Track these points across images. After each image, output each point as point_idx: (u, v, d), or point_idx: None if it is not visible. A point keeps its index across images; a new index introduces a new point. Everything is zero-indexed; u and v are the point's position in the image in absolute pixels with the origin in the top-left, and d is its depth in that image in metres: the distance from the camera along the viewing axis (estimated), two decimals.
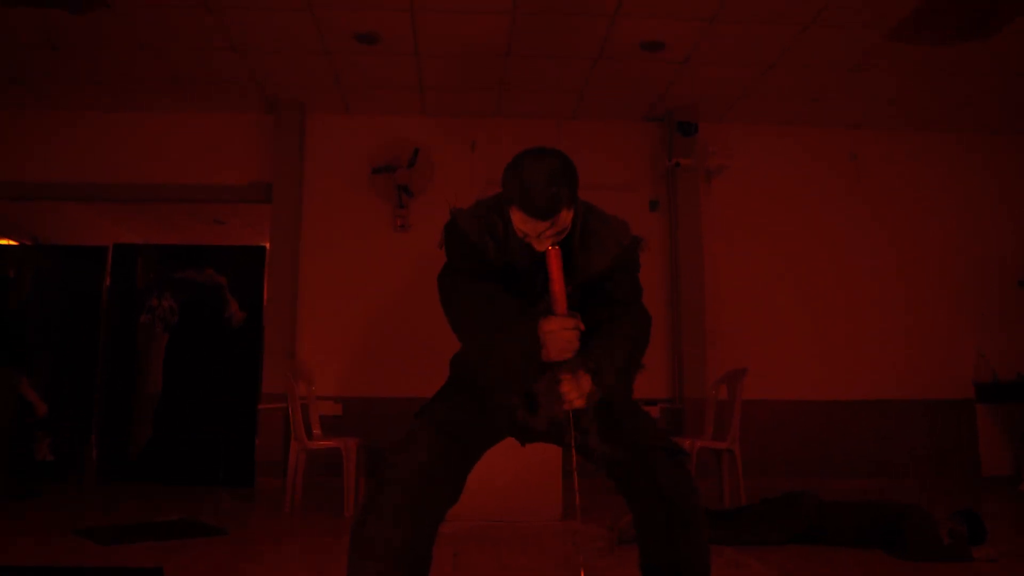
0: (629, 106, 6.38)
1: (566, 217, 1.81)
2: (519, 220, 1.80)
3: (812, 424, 6.29)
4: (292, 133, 6.35)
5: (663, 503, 1.91)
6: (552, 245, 1.81)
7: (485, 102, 6.24)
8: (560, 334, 1.78)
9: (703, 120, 6.44)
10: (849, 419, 6.31)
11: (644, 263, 2.10)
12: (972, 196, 6.73)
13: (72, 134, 6.43)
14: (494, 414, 2.01)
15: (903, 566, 3.39)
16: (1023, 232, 6.68)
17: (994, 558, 3.42)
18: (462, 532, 3.95)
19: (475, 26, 5.10)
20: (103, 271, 6.49)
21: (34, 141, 6.41)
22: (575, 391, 1.81)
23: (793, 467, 6.14)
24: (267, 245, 6.38)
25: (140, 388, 6.31)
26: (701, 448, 4.95)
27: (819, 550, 3.67)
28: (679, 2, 4.79)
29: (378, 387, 6.10)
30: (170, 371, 6.33)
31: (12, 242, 7.75)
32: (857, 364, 6.38)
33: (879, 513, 3.73)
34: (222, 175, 6.46)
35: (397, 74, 5.81)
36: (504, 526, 4.17)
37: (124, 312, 6.40)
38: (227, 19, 4.99)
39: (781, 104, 6.31)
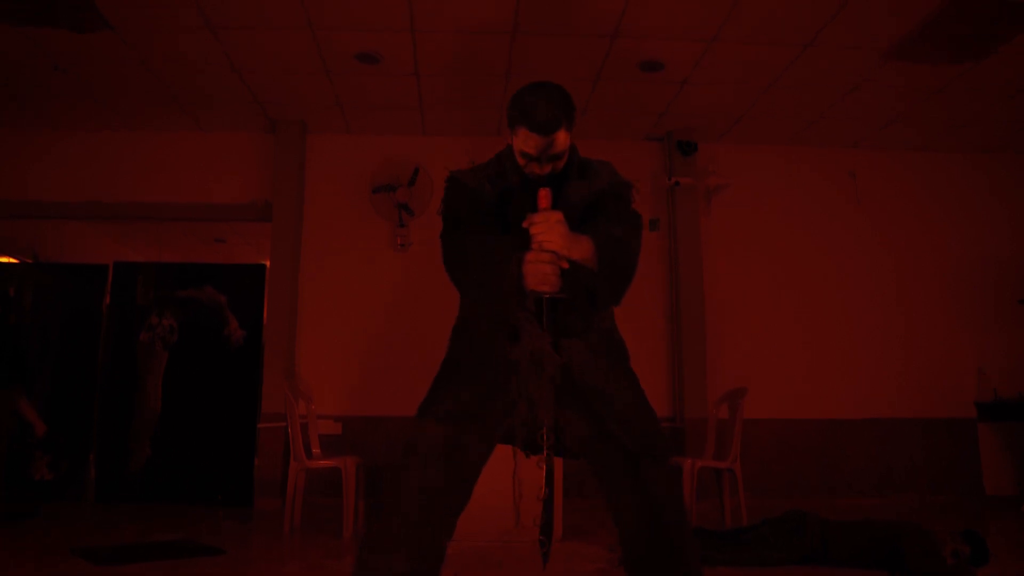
0: (629, 126, 6.41)
1: (564, 140, 1.98)
2: (521, 140, 1.97)
3: (814, 443, 6.26)
4: (293, 152, 6.37)
5: (650, 524, 1.92)
6: (550, 172, 1.99)
7: (485, 121, 6.27)
8: (536, 265, 1.85)
9: (703, 140, 6.47)
10: (851, 438, 6.29)
11: (646, 275, 2.11)
12: (971, 214, 6.75)
13: (73, 152, 6.45)
14: (494, 407, 1.99)
15: None
16: (1022, 250, 6.69)
17: None
18: (461, 553, 3.92)
19: (475, 46, 5.13)
20: (103, 289, 6.49)
21: (35, 159, 6.44)
22: (549, 232, 1.84)
23: (795, 487, 6.12)
24: (267, 263, 6.38)
25: (139, 407, 6.28)
26: (702, 468, 4.93)
27: (821, 571, 3.65)
28: (678, 23, 4.82)
29: (378, 406, 6.09)
30: (169, 390, 6.31)
31: (12, 260, 7.76)
32: (858, 382, 6.37)
33: (881, 533, 3.71)
34: (223, 194, 6.48)
35: (397, 94, 5.84)
36: (503, 546, 4.15)
37: (124, 330, 6.39)
38: (229, 39, 5.02)
39: (780, 124, 6.33)
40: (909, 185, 6.76)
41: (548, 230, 1.84)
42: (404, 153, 6.45)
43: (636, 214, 2.17)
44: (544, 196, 1.88)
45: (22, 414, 5.22)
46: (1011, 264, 6.64)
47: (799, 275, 6.54)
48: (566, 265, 1.87)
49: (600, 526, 3.38)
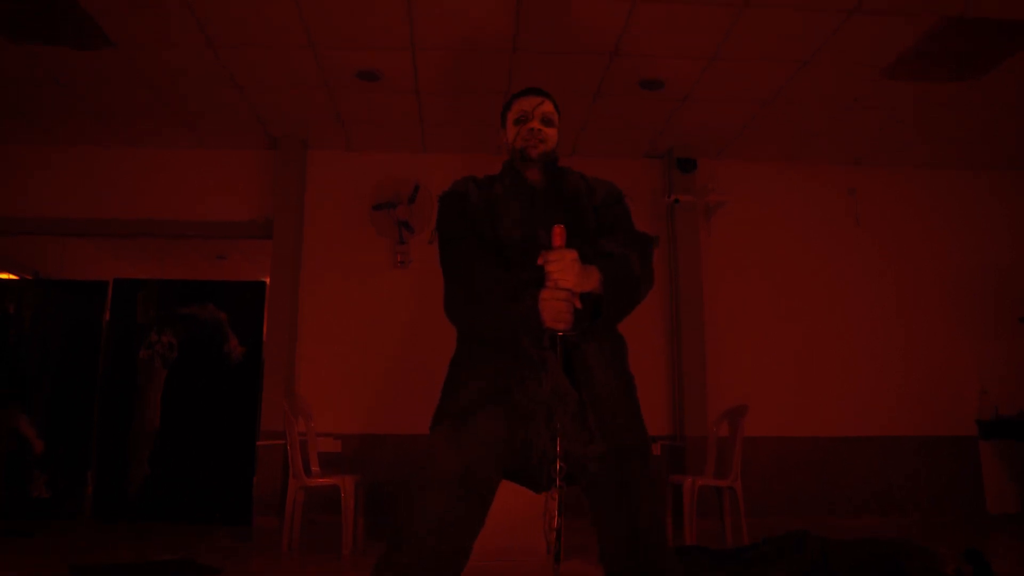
0: (628, 143, 6.43)
1: (553, 114, 2.25)
2: (516, 107, 2.23)
3: (814, 461, 6.23)
4: (293, 169, 6.39)
5: (630, 542, 1.94)
6: (542, 152, 2.19)
7: (485, 139, 6.28)
8: (552, 303, 1.87)
9: (702, 156, 6.49)
10: (852, 456, 6.26)
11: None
12: (971, 231, 6.75)
13: (74, 169, 6.47)
14: (510, 439, 1.98)
15: None
16: (1023, 268, 6.68)
17: None
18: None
19: (475, 64, 5.16)
20: (103, 306, 6.48)
21: (36, 176, 6.45)
22: (565, 271, 1.86)
23: (796, 505, 6.09)
24: (267, 280, 6.38)
25: (138, 424, 6.26)
26: (702, 486, 4.90)
27: None
28: (678, 41, 4.85)
29: (377, 424, 6.07)
30: (168, 407, 6.29)
31: (12, 276, 7.76)
32: (859, 400, 6.34)
33: (882, 551, 3.68)
34: (223, 210, 6.48)
35: (398, 111, 5.86)
36: (501, 565, 4.11)
37: (123, 347, 6.38)
38: (230, 56, 5.05)
39: (780, 141, 6.35)
40: (909, 202, 6.77)
41: (564, 269, 1.86)
42: (404, 170, 6.46)
43: (644, 235, 2.21)
44: (559, 234, 1.88)
45: (21, 431, 5.21)
46: (1011, 281, 6.64)
47: (799, 292, 6.53)
48: (579, 305, 1.89)
49: (596, 545, 3.36)
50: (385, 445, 5.97)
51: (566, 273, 1.86)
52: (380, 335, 6.26)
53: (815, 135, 6.22)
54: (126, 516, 6.03)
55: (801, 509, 6.05)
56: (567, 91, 5.45)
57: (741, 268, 6.53)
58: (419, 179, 6.38)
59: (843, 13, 4.47)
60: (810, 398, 6.33)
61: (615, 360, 2.10)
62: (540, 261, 1.88)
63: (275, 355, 6.09)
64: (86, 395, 6.31)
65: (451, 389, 2.09)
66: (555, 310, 1.86)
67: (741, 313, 6.45)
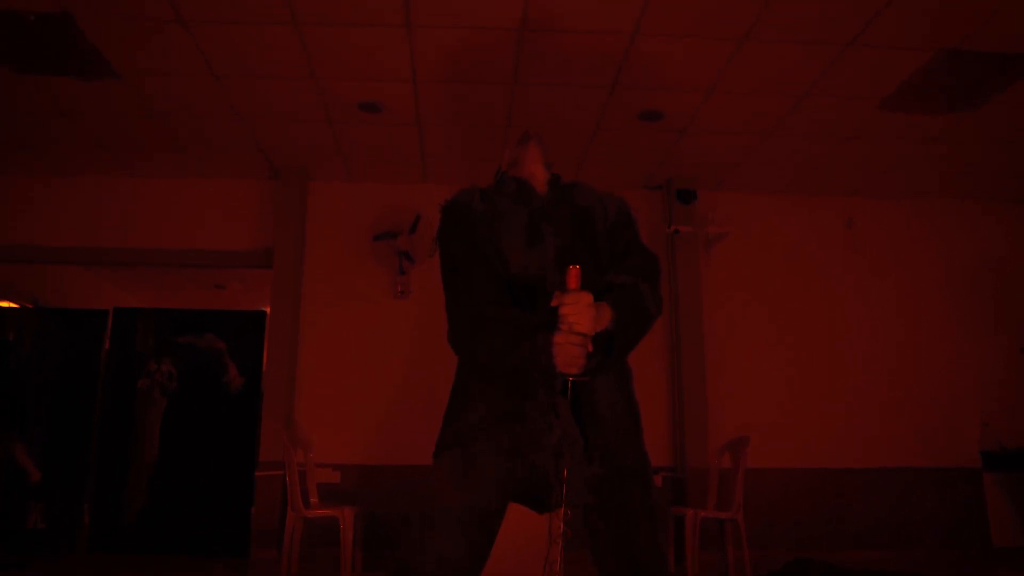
0: (628, 174, 6.46)
1: (550, 156, 2.34)
2: (514, 147, 2.35)
3: (816, 493, 6.18)
4: (294, 199, 6.41)
5: (629, 567, 1.93)
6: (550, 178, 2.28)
7: (486, 170, 6.29)
8: (566, 347, 1.83)
9: (702, 188, 6.51)
10: (854, 488, 6.20)
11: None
12: (971, 262, 6.75)
13: (76, 198, 6.49)
14: (514, 474, 1.97)
15: None
16: (1023, 298, 6.68)
17: None
18: None
19: (476, 96, 5.20)
20: (103, 335, 6.48)
21: (37, 204, 6.47)
22: (580, 315, 1.83)
23: (799, 538, 6.02)
24: (267, 310, 6.38)
25: (136, 454, 6.23)
26: (704, 518, 4.86)
27: None
28: (677, 73, 4.89)
29: (377, 454, 6.02)
30: (167, 437, 6.26)
31: (12, 304, 7.76)
32: (861, 431, 6.30)
33: None
34: (224, 240, 6.49)
35: (399, 142, 5.90)
36: None
37: (122, 377, 6.36)
38: (233, 88, 5.09)
39: (779, 172, 6.38)
40: (907, 232, 6.78)
41: (579, 312, 1.82)
42: (405, 201, 6.48)
43: (653, 258, 2.21)
44: (574, 275, 1.84)
45: (17, 460, 5.18)
46: (1012, 312, 6.64)
47: (800, 323, 6.52)
48: (591, 348, 1.86)
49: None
50: (385, 476, 5.92)
51: (581, 317, 1.82)
52: (380, 366, 6.24)
53: (813, 167, 6.25)
54: (123, 548, 5.98)
55: (804, 541, 5.98)
56: (567, 123, 5.49)
57: (741, 299, 6.53)
58: (420, 210, 6.39)
59: (840, 46, 4.52)
60: (812, 429, 6.28)
61: (620, 385, 2.09)
62: (555, 303, 1.84)
63: (274, 385, 6.06)
64: (84, 424, 6.28)
65: (453, 418, 2.07)
66: (569, 354, 1.83)
67: (742, 344, 6.43)
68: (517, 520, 2.67)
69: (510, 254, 2.08)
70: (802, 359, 6.44)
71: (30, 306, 7.82)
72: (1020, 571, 5.41)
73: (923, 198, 6.83)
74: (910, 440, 6.31)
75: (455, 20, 4.35)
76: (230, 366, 6.34)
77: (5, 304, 7.66)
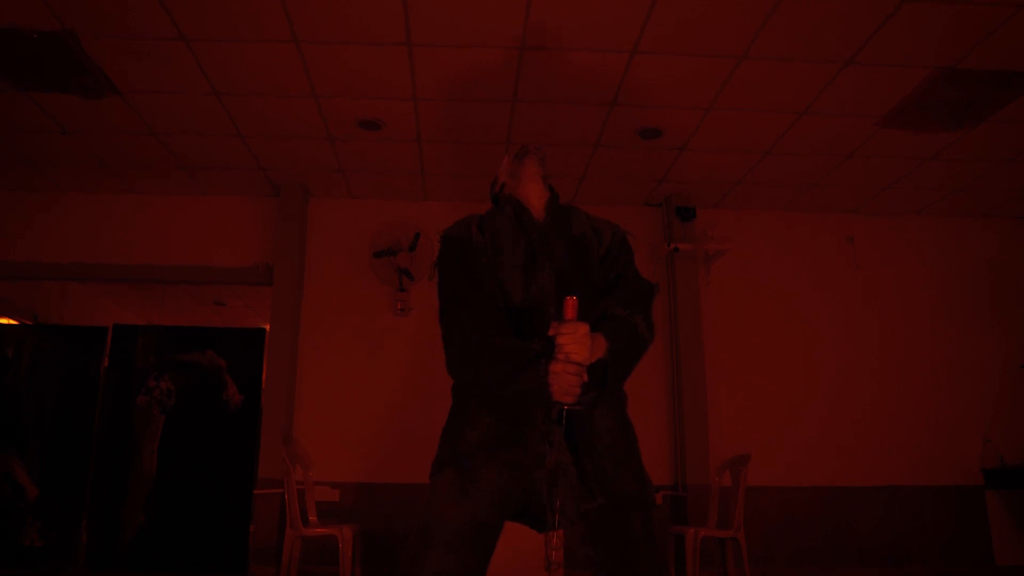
0: (628, 192, 6.48)
1: (548, 171, 2.36)
2: (512, 161, 2.40)
3: (818, 511, 6.14)
4: (295, 216, 6.42)
5: None
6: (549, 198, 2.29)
7: (486, 187, 6.30)
8: (563, 377, 1.84)
9: (701, 205, 6.52)
10: (856, 506, 6.17)
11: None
12: (971, 279, 6.75)
13: (76, 214, 6.50)
14: (510, 494, 1.97)
15: None
16: (1023, 314, 6.68)
17: None
18: None
19: (476, 114, 5.22)
20: (102, 351, 6.46)
21: (37, 221, 6.48)
22: (576, 344, 1.84)
23: (800, 556, 5.99)
24: (267, 327, 6.37)
25: (134, 472, 6.20)
26: (705, 537, 4.83)
27: None
28: (676, 91, 4.91)
29: (376, 473, 6.00)
30: (165, 454, 6.23)
31: (12, 321, 7.76)
32: (863, 448, 6.27)
33: None
34: (224, 257, 6.50)
35: (399, 160, 5.92)
36: None
37: (121, 393, 6.34)
38: (234, 105, 5.11)
39: (779, 189, 6.39)
40: (907, 249, 6.79)
41: (575, 342, 1.84)
42: (405, 218, 6.49)
43: (647, 287, 2.23)
44: (571, 306, 1.86)
45: (14, 477, 5.16)
46: (1013, 328, 6.63)
47: (800, 340, 6.51)
48: (586, 378, 1.87)
49: None
50: (384, 495, 5.90)
51: (578, 347, 1.84)
52: (380, 383, 6.22)
53: (813, 184, 6.26)
54: (120, 565, 5.94)
55: (805, 560, 5.95)
56: (567, 140, 5.51)
57: (741, 316, 6.52)
58: (420, 227, 6.40)
59: (839, 64, 4.54)
60: (814, 447, 6.26)
61: (616, 411, 2.09)
62: (551, 332, 1.86)
63: (274, 403, 6.05)
64: (83, 441, 6.25)
65: (451, 437, 2.08)
66: (565, 383, 1.84)
67: (742, 361, 6.42)
68: (513, 541, 2.66)
69: (510, 285, 2.10)
70: (803, 376, 6.42)
71: (30, 323, 7.82)
72: None
73: (922, 214, 6.84)
74: (912, 458, 6.29)
75: (455, 39, 4.38)
76: (230, 383, 6.32)
77: (5, 320, 7.66)
